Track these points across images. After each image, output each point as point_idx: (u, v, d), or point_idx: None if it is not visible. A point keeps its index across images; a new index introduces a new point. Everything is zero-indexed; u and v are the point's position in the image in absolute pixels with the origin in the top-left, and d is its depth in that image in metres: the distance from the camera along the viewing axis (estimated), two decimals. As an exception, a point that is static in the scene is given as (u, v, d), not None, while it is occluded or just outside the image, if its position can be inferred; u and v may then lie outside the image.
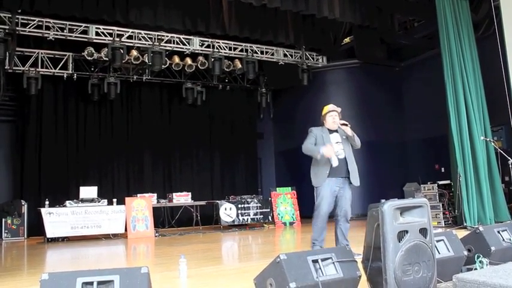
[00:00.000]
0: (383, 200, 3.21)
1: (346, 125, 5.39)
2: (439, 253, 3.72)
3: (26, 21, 9.98)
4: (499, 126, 9.75)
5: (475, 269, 3.81)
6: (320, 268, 3.17)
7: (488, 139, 8.36)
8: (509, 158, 7.57)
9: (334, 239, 5.60)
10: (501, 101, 8.29)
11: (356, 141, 5.49)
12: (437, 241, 3.80)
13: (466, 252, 3.96)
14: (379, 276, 3.13)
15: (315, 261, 3.18)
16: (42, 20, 10.07)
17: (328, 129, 5.51)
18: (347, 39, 13.18)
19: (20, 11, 9.56)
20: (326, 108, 5.59)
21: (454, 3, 8.88)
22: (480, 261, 3.91)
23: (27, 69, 11.03)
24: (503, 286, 2.45)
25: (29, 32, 10.11)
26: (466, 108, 8.49)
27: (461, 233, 4.57)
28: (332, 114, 5.50)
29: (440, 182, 9.17)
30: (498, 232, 4.36)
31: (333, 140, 5.41)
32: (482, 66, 8.93)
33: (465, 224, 8.02)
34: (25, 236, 10.44)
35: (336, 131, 5.51)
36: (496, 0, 8.66)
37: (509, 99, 8.23)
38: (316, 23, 11.79)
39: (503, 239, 4.31)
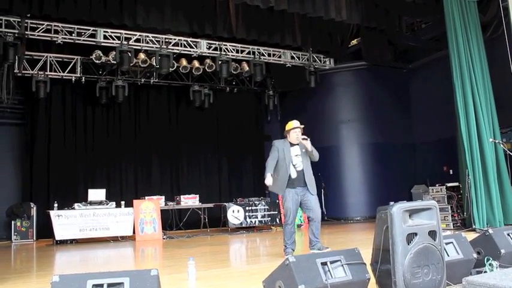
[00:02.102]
0: (392, 203, 3.21)
1: (306, 139, 5.92)
2: (448, 256, 3.71)
3: (35, 25, 10.07)
4: (508, 128, 9.70)
5: (485, 271, 3.79)
6: (329, 270, 3.18)
7: (497, 141, 8.31)
8: (518, 160, 7.53)
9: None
10: (510, 102, 8.26)
11: (314, 154, 5.99)
12: (447, 244, 3.79)
13: (475, 255, 3.94)
14: (388, 278, 3.12)
15: (323, 264, 3.19)
16: (51, 24, 10.15)
17: (290, 143, 6.02)
18: (354, 41, 13.17)
19: (29, 15, 9.66)
20: (291, 124, 6.07)
21: (462, 5, 8.84)
22: (490, 264, 3.90)
23: (36, 72, 11.11)
24: (514, 289, 2.44)
25: (38, 36, 10.20)
26: (475, 109, 8.44)
27: (470, 236, 4.55)
28: (296, 131, 6.00)
29: (449, 184, 9.11)
30: (508, 235, 4.34)
31: (292, 153, 5.94)
32: (490, 68, 8.89)
33: (474, 227, 7.98)
34: (34, 238, 10.51)
35: (297, 144, 6.00)
36: (505, 1, 8.61)
37: (518, 101, 8.19)
38: (323, 25, 11.76)
39: (513, 242, 4.29)
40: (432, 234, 3.25)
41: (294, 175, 5.89)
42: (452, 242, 3.89)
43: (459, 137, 8.46)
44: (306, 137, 5.99)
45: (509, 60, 8.18)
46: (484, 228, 7.25)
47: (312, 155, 6.00)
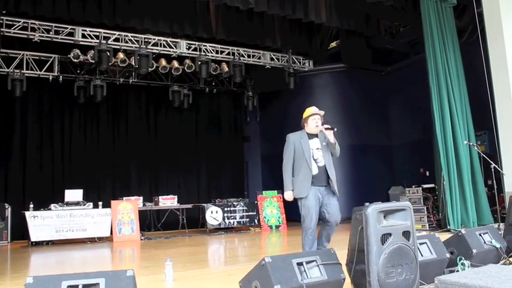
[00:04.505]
0: (367, 204, 3.26)
1: (331, 129, 4.97)
2: (422, 256, 3.78)
3: (11, 23, 9.90)
4: (482, 130, 9.89)
5: (457, 271, 3.88)
6: (305, 271, 3.21)
7: (471, 143, 8.48)
8: (491, 162, 7.69)
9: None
10: (484, 105, 8.43)
11: (336, 149, 5.08)
12: (420, 244, 3.86)
13: (448, 255, 4.02)
14: (362, 278, 3.17)
15: (299, 264, 3.22)
16: (28, 21, 9.99)
17: (308, 133, 5.10)
18: (333, 44, 13.28)
19: (4, 12, 9.47)
20: (308, 111, 5.16)
21: (438, 10, 9.01)
22: (462, 264, 3.99)
23: (11, 71, 10.91)
24: (483, 287, 2.50)
25: (14, 33, 10.02)
26: (450, 112, 8.62)
27: (445, 236, 4.64)
28: (315, 118, 5.06)
29: (425, 186, 9.26)
30: (480, 235, 4.44)
31: (312, 146, 5.03)
32: (466, 72, 9.08)
33: (449, 227, 8.13)
34: (8, 240, 10.28)
35: (316, 135, 5.09)
36: (480, 7, 8.80)
37: (492, 104, 8.37)
38: (303, 27, 11.88)
39: (485, 242, 4.40)
40: (406, 234, 3.31)
41: (315, 171, 4.93)
42: (426, 242, 3.96)
43: (435, 139, 8.61)
44: (329, 126, 5.00)
45: (484, 64, 8.36)
46: (458, 229, 7.39)
47: (334, 149, 5.05)
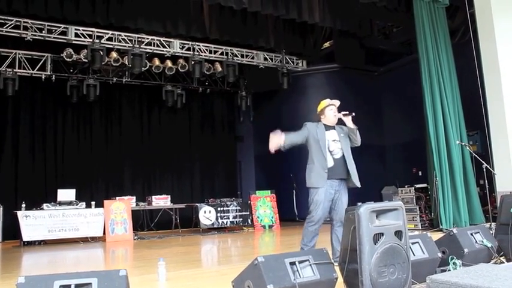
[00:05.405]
0: (359, 203, 3.28)
1: (349, 114, 4.96)
2: (414, 255, 3.80)
3: (3, 21, 9.84)
4: (474, 130, 9.95)
5: (449, 270, 3.90)
6: (297, 270, 3.21)
7: (463, 143, 8.53)
8: (483, 162, 7.73)
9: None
10: (476, 106, 8.48)
11: (357, 135, 5.03)
12: (413, 243, 3.88)
13: (440, 254, 4.04)
14: (355, 278, 3.18)
15: (292, 264, 3.23)
16: (20, 20, 9.95)
17: (325, 125, 5.05)
18: (327, 44, 13.31)
19: (-4, 10, 9.44)
20: (325, 102, 5.13)
21: (431, 11, 9.06)
22: (454, 263, 4.01)
23: (4, 69, 10.85)
24: (474, 286, 2.52)
25: (6, 32, 9.97)
26: (443, 112, 8.66)
27: (437, 236, 4.66)
28: (332, 108, 5.05)
29: (418, 186, 9.29)
30: (471, 234, 4.47)
31: (329, 137, 4.97)
32: (458, 72, 9.13)
33: (441, 227, 8.16)
34: (0, 239, 10.24)
35: (333, 127, 5.07)
36: (472, 8, 8.86)
37: (484, 105, 8.42)
38: (297, 28, 11.90)
39: (476, 241, 4.43)
40: (398, 234, 3.33)
41: (330, 163, 4.87)
42: (418, 242, 3.98)
43: (427, 139, 8.65)
44: (347, 112, 4.96)
45: (476, 65, 8.41)
46: (450, 229, 7.43)
47: (355, 136, 5.02)
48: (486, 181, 8.13)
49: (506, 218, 4.65)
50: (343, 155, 4.96)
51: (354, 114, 4.98)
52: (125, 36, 11.14)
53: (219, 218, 11.18)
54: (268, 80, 13.37)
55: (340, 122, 5.15)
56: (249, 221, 11.60)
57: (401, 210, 3.40)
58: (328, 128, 5.05)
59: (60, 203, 9.84)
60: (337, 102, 5.14)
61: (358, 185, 4.99)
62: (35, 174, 11.69)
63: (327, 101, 5.13)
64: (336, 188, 4.91)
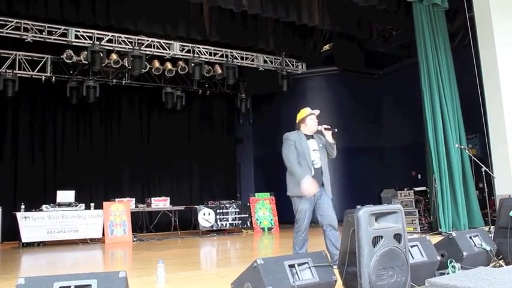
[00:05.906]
0: (359, 206, 3.28)
1: (330, 129, 4.99)
2: (413, 258, 3.80)
3: (3, 23, 9.85)
4: (474, 134, 9.96)
5: (448, 273, 3.91)
6: (296, 273, 3.22)
7: (463, 147, 8.53)
8: (482, 166, 7.74)
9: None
10: (475, 109, 8.49)
11: (334, 149, 5.08)
12: (412, 246, 3.88)
13: (439, 258, 4.05)
14: (354, 280, 3.19)
15: (291, 266, 3.23)
16: (21, 21, 9.95)
17: (305, 134, 5.04)
18: (326, 47, 13.32)
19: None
20: (305, 111, 5.12)
21: (430, 14, 9.08)
22: (452, 266, 4.02)
23: (4, 71, 10.87)
24: (472, 290, 2.53)
25: (7, 33, 9.98)
26: (442, 116, 8.67)
27: (436, 239, 4.66)
28: (313, 118, 5.05)
29: (417, 189, 9.31)
30: (470, 238, 4.47)
31: (310, 146, 4.98)
32: (457, 75, 9.15)
33: (440, 230, 8.17)
34: (-1, 240, 10.26)
35: (312, 137, 5.07)
36: (471, 12, 8.88)
37: (483, 108, 8.43)
38: (296, 30, 11.92)
39: (475, 245, 4.43)
40: (397, 237, 3.33)
41: (311, 173, 4.87)
42: (417, 245, 3.98)
43: (427, 143, 8.66)
44: (329, 126, 5.01)
45: (475, 68, 8.43)
46: (449, 232, 7.44)
47: (332, 150, 5.05)
48: (485, 184, 8.14)
49: (505, 222, 4.65)
50: (321, 166, 5.00)
51: (336, 130, 5.02)
52: (125, 38, 11.15)
53: (218, 220, 11.18)
54: (268, 82, 13.38)
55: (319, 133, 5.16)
56: (248, 223, 11.60)
57: (400, 213, 3.41)
58: (308, 137, 5.06)
59: (60, 205, 9.84)
60: (317, 112, 5.13)
61: (331, 196, 5.02)
62: (35, 175, 11.69)
63: (308, 110, 5.13)
64: (317, 194, 4.93)
